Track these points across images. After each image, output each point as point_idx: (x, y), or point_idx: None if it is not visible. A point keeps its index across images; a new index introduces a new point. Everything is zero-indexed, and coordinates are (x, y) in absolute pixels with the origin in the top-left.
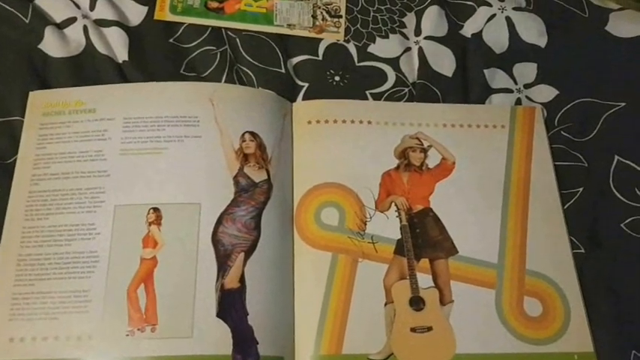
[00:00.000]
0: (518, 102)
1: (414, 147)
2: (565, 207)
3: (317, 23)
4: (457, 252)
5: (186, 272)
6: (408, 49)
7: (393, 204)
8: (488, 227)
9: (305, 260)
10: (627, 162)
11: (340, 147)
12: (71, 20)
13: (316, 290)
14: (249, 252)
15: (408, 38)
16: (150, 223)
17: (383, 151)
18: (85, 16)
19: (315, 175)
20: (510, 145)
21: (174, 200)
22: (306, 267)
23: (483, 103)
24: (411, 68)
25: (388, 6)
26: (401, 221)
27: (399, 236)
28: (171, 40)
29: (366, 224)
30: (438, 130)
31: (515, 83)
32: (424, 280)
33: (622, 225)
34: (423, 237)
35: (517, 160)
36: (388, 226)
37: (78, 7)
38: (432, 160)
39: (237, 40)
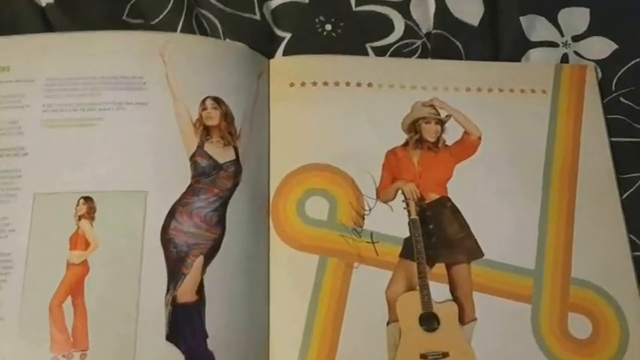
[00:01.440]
0: (565, 59)
1: (427, 117)
2: (623, 197)
3: None
4: (482, 255)
5: (126, 281)
6: None
7: (399, 192)
8: (524, 222)
9: (284, 265)
10: None
11: (332, 117)
12: None
13: (299, 305)
14: (210, 255)
15: None
16: (80, 217)
17: (387, 122)
18: None
19: (299, 154)
20: (553, 116)
21: (112, 187)
22: (286, 274)
23: (519, 60)
24: (424, 14)
25: None
26: (410, 214)
27: (407, 234)
28: None
29: (364, 218)
30: (459, 95)
31: (561, 35)
32: (439, 291)
33: None
34: (439, 235)
35: (562, 135)
36: (393, 221)
37: None
38: (451, 134)
39: None
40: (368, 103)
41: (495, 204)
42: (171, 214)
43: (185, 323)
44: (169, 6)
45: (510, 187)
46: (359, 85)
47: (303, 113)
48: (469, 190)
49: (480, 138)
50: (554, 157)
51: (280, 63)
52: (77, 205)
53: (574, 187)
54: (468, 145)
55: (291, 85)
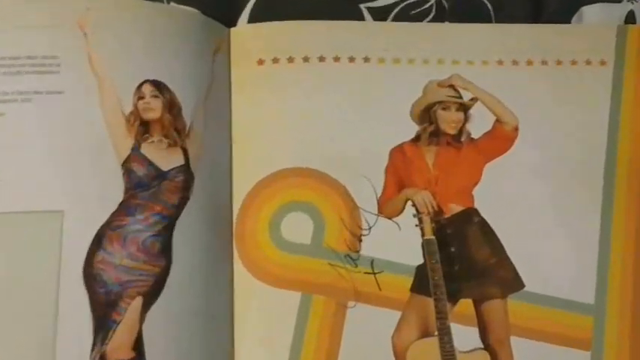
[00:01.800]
0: (630, 18)
1: (445, 102)
2: None
3: None
4: (523, 286)
5: (35, 333)
6: None
7: (409, 203)
8: (579, 241)
9: (254, 308)
10: None
11: (315, 106)
12: None
13: (274, 358)
14: (151, 296)
15: None
16: None
17: (391, 110)
18: None
19: (272, 156)
20: (616, 96)
21: (15, 206)
22: (257, 320)
23: (568, 21)
24: None
25: None
26: (423, 234)
27: (421, 260)
28: None
29: (361, 241)
30: (488, 71)
31: None
32: (465, 336)
33: None
34: (463, 261)
35: (629, 121)
36: (401, 244)
37: None
38: (479, 124)
39: None
40: (364, 85)
41: (540, 217)
42: (97, 242)
43: None
44: None
45: (559, 193)
46: (352, 60)
47: (277, 101)
48: (503, 199)
49: (516, 128)
50: (618, 152)
51: (244, 33)
52: None
53: None
54: (500, 138)
55: (260, 62)
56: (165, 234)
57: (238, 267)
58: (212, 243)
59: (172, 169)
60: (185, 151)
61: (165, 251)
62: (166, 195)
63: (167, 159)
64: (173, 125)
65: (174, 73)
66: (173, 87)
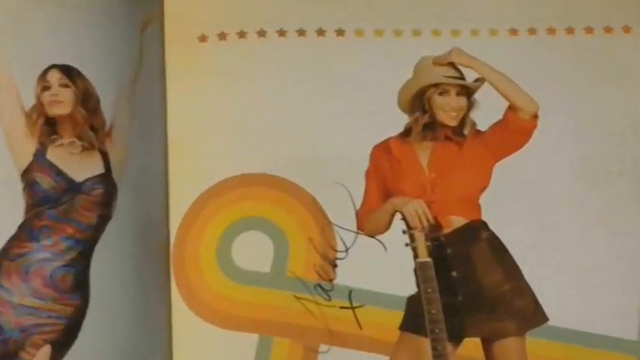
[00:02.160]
0: None
1: (443, 84)
2: None
3: None
4: (546, 320)
5: None
6: None
7: (397, 216)
8: (619, 262)
9: (197, 352)
10: None
11: (274, 92)
12: None
13: None
14: (62, 343)
15: None
16: None
17: (372, 96)
18: None
19: (219, 159)
20: None
21: None
22: None
23: None
24: None
25: None
26: (417, 255)
27: (413, 289)
28: None
29: (336, 266)
30: (497, 42)
31: None
32: None
33: None
34: (469, 288)
35: None
36: (387, 268)
37: None
38: (486, 112)
39: None
40: (338, 65)
41: (567, 232)
42: None
43: None
44: None
45: (593, 201)
46: (321, 33)
47: (225, 89)
48: (520, 208)
49: (536, 116)
50: None
51: (182, 2)
52: None
53: None
54: (515, 129)
55: (202, 39)
56: (81, 264)
57: (177, 303)
58: (142, 273)
59: (88, 180)
60: (105, 156)
61: (81, 286)
62: (81, 213)
63: (81, 166)
64: (88, 122)
65: (89, 56)
66: (88, 73)
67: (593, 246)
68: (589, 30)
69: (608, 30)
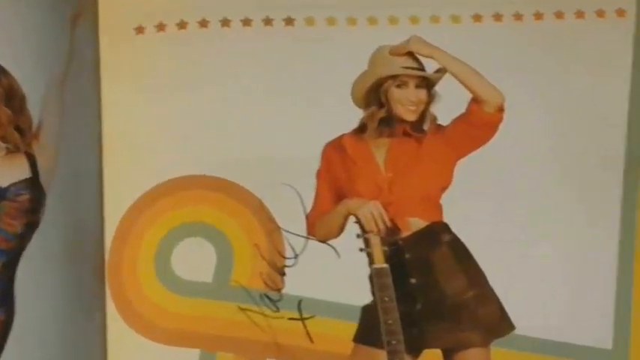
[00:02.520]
0: None
1: (401, 76)
2: None
3: None
4: (513, 328)
5: None
6: None
7: (351, 219)
8: (590, 268)
9: None
10: None
11: (218, 88)
12: None
13: None
14: None
15: None
16: None
17: (323, 90)
18: None
19: (158, 161)
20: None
21: None
22: None
23: None
24: None
25: None
26: (372, 261)
27: (368, 299)
28: None
29: (284, 274)
30: (459, 29)
31: None
32: None
33: None
34: (429, 296)
35: None
36: (340, 275)
37: None
38: (447, 105)
39: None
40: (287, 57)
41: (536, 233)
42: None
43: None
44: None
45: (563, 202)
46: (268, 22)
47: (164, 85)
48: (485, 208)
49: (501, 109)
50: None
51: None
52: None
53: None
54: (479, 123)
55: (139, 30)
56: (5, 275)
57: (113, 317)
58: (73, 285)
59: (13, 185)
60: (32, 159)
61: (5, 300)
62: (5, 221)
63: (5, 170)
64: (13, 123)
65: (14, 50)
66: (13, 69)
67: (564, 248)
68: (559, 15)
69: (599, 13)
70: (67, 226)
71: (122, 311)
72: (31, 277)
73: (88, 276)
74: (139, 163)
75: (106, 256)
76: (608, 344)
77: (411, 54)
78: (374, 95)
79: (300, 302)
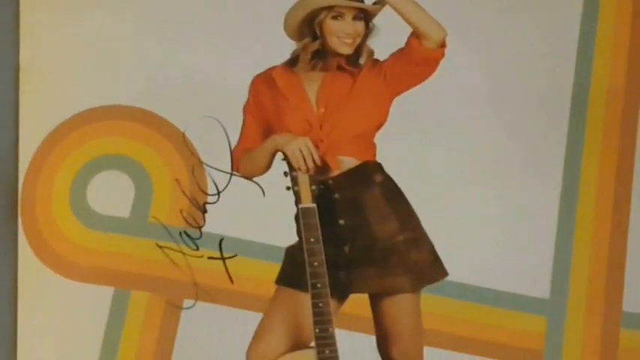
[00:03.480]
0: None
1: (337, 6)
2: None
3: None
4: (445, 274)
5: None
6: None
7: (278, 155)
8: (530, 213)
9: (45, 306)
10: None
11: (138, 9)
12: None
13: None
14: None
15: None
16: None
17: (252, 18)
18: None
19: (74, 90)
20: (591, 10)
21: None
22: (49, 322)
23: None
24: None
25: None
26: (299, 200)
27: (293, 239)
28: None
29: (206, 211)
30: None
31: None
32: (357, 346)
33: None
34: (357, 238)
35: (606, 47)
36: (265, 214)
37: None
38: (385, 39)
39: None
40: None
41: (476, 176)
42: None
43: None
44: None
45: (503, 142)
46: None
47: (86, 7)
48: (421, 148)
49: (443, 44)
50: (591, 87)
51: None
52: None
53: (631, 148)
54: (419, 59)
55: None
56: None
57: (25, 252)
58: None
59: None
60: None
61: None
62: None
63: None
64: None
65: None
66: None
67: (502, 192)
68: None
69: None
70: None
71: (34, 246)
72: None
73: (0, 211)
74: (56, 92)
75: (20, 189)
76: (545, 293)
77: None
78: (308, 26)
79: (221, 241)
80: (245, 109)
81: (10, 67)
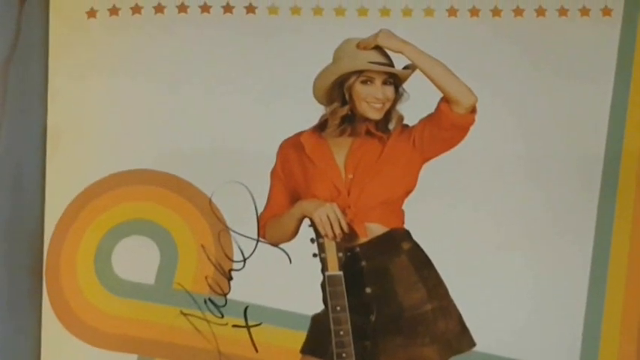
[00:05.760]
0: None
1: (367, 72)
2: None
3: None
4: (473, 345)
5: None
6: None
7: (305, 222)
8: (562, 282)
9: None
10: None
11: (171, 76)
12: None
13: None
14: None
15: None
16: None
17: (282, 84)
18: None
19: (102, 154)
20: (625, 59)
21: None
22: None
23: None
24: None
25: None
26: (325, 268)
27: (319, 307)
28: None
29: (231, 278)
30: (432, 24)
31: None
32: None
33: None
34: (384, 307)
35: (639, 99)
36: (291, 282)
37: None
38: (415, 105)
39: None
40: (246, 47)
41: (502, 246)
42: None
43: None
44: None
45: (533, 212)
46: (229, 9)
47: (114, 73)
48: (450, 216)
49: (474, 110)
50: (624, 146)
51: None
52: None
53: None
54: (448, 124)
55: (91, 13)
56: None
57: (49, 318)
58: (9, 284)
59: None
60: None
61: None
62: None
63: None
64: None
65: None
66: None
67: (531, 260)
68: (540, 11)
69: (583, 11)
70: (5, 221)
71: (59, 313)
72: None
73: (25, 274)
74: (83, 156)
75: (45, 254)
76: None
77: (379, 48)
78: (337, 91)
79: (246, 309)
80: (272, 174)
81: (38, 130)
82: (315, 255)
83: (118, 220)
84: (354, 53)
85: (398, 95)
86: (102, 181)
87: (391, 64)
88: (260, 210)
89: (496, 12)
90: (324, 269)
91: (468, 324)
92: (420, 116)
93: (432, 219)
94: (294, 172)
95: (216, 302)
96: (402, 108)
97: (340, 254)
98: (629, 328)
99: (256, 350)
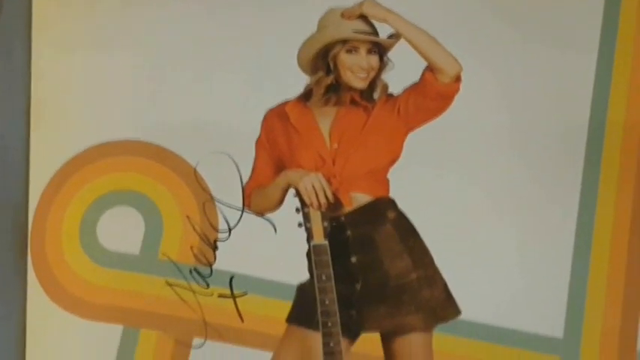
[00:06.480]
0: None
1: (352, 40)
2: None
3: None
4: (458, 313)
5: None
6: None
7: (290, 192)
8: (547, 250)
9: (53, 343)
10: None
11: (153, 47)
12: None
13: None
14: None
15: None
16: None
17: (266, 53)
18: None
19: (86, 125)
20: (609, 34)
21: None
22: (61, 359)
23: None
24: None
25: None
26: (311, 237)
27: (304, 276)
28: None
29: (216, 248)
30: None
31: None
32: None
33: None
34: (369, 276)
35: (623, 81)
36: (276, 251)
37: None
38: (400, 74)
39: None
40: (228, 17)
41: (491, 215)
42: None
43: None
44: None
45: (518, 180)
46: None
47: (99, 45)
48: (435, 184)
49: (458, 79)
50: (608, 116)
51: None
52: None
53: None
54: (433, 94)
55: None
56: None
57: (34, 288)
58: None
59: None
60: None
61: None
62: None
63: None
64: None
65: None
66: None
67: (518, 230)
68: None
69: None
70: None
71: (44, 284)
72: None
73: (10, 245)
74: (67, 127)
75: (30, 225)
76: (559, 333)
77: (363, 17)
78: (322, 60)
79: (231, 278)
80: (257, 144)
81: (22, 103)
82: (300, 224)
83: (103, 190)
84: (338, 22)
85: (382, 64)
86: (86, 153)
87: (376, 33)
88: (245, 180)
89: None
90: (309, 239)
91: (454, 292)
92: (404, 85)
93: (417, 188)
94: (279, 142)
95: (202, 272)
96: (386, 77)
97: (325, 224)
98: (614, 296)
99: (242, 320)
